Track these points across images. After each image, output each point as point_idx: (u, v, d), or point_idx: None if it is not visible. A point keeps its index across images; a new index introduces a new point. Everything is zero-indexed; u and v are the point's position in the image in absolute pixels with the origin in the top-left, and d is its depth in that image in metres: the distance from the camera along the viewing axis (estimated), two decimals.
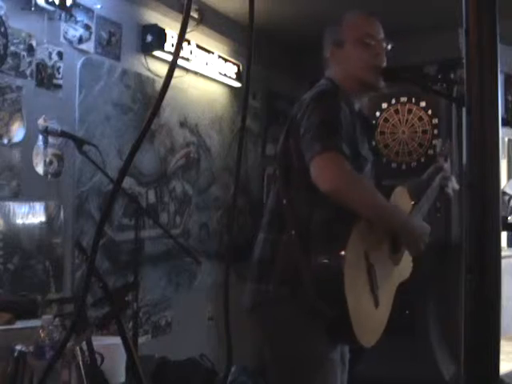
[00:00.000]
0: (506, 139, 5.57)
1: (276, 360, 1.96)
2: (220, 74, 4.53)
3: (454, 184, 2.33)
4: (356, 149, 1.87)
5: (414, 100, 4.76)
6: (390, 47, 2.02)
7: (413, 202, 2.14)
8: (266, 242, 1.95)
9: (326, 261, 1.78)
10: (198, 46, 4.25)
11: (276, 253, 1.88)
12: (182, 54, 4.00)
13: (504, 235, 5.33)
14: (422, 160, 4.74)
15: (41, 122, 3.22)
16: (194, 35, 4.15)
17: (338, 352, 1.93)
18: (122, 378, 2.81)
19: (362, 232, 1.82)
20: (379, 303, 1.89)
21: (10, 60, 3.08)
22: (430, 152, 4.71)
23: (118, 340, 2.30)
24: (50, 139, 3.27)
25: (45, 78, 3.27)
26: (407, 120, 4.81)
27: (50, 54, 3.29)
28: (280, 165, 1.97)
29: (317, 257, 1.78)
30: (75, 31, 3.45)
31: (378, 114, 4.87)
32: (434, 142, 4.71)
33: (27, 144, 3.17)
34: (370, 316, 1.88)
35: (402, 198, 2.08)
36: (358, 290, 1.81)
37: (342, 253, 1.74)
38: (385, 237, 1.96)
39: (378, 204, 1.83)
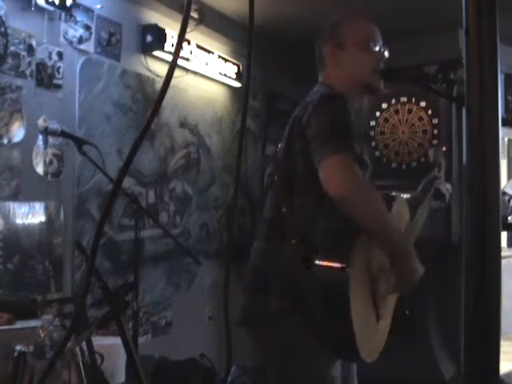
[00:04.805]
0: (506, 139, 5.58)
1: (276, 376, 1.85)
2: (220, 74, 4.53)
3: (446, 188, 2.29)
4: (360, 153, 1.82)
5: (413, 100, 4.77)
6: (387, 54, 2.01)
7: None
8: (263, 251, 1.84)
9: (330, 273, 1.68)
10: (198, 46, 4.25)
11: (275, 263, 1.78)
12: (182, 54, 4.00)
13: (504, 235, 5.34)
14: (422, 160, 4.74)
15: (41, 122, 3.22)
16: (194, 35, 4.15)
17: (337, 368, 1.83)
18: (122, 378, 2.81)
19: (366, 242, 1.73)
20: (380, 317, 1.83)
21: (9, 60, 3.07)
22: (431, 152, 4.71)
23: (118, 340, 2.30)
24: (50, 139, 3.27)
25: (45, 77, 3.26)
26: (407, 120, 4.81)
27: (50, 54, 3.29)
28: (281, 170, 1.87)
29: (320, 268, 1.69)
30: (75, 31, 3.45)
31: (377, 114, 4.87)
32: (434, 142, 4.71)
33: (27, 144, 3.17)
34: (372, 330, 1.81)
35: (403, 208, 2.02)
36: (362, 303, 1.73)
37: (347, 264, 1.65)
38: None
39: (383, 218, 1.72)
